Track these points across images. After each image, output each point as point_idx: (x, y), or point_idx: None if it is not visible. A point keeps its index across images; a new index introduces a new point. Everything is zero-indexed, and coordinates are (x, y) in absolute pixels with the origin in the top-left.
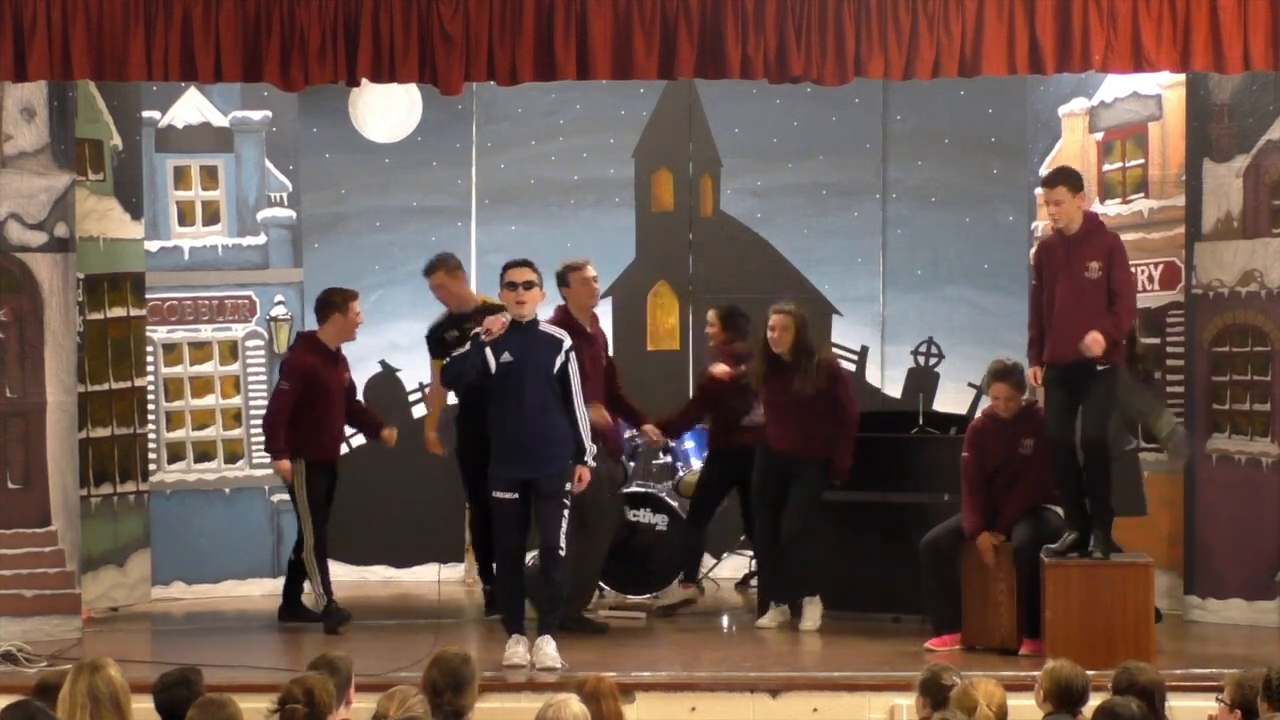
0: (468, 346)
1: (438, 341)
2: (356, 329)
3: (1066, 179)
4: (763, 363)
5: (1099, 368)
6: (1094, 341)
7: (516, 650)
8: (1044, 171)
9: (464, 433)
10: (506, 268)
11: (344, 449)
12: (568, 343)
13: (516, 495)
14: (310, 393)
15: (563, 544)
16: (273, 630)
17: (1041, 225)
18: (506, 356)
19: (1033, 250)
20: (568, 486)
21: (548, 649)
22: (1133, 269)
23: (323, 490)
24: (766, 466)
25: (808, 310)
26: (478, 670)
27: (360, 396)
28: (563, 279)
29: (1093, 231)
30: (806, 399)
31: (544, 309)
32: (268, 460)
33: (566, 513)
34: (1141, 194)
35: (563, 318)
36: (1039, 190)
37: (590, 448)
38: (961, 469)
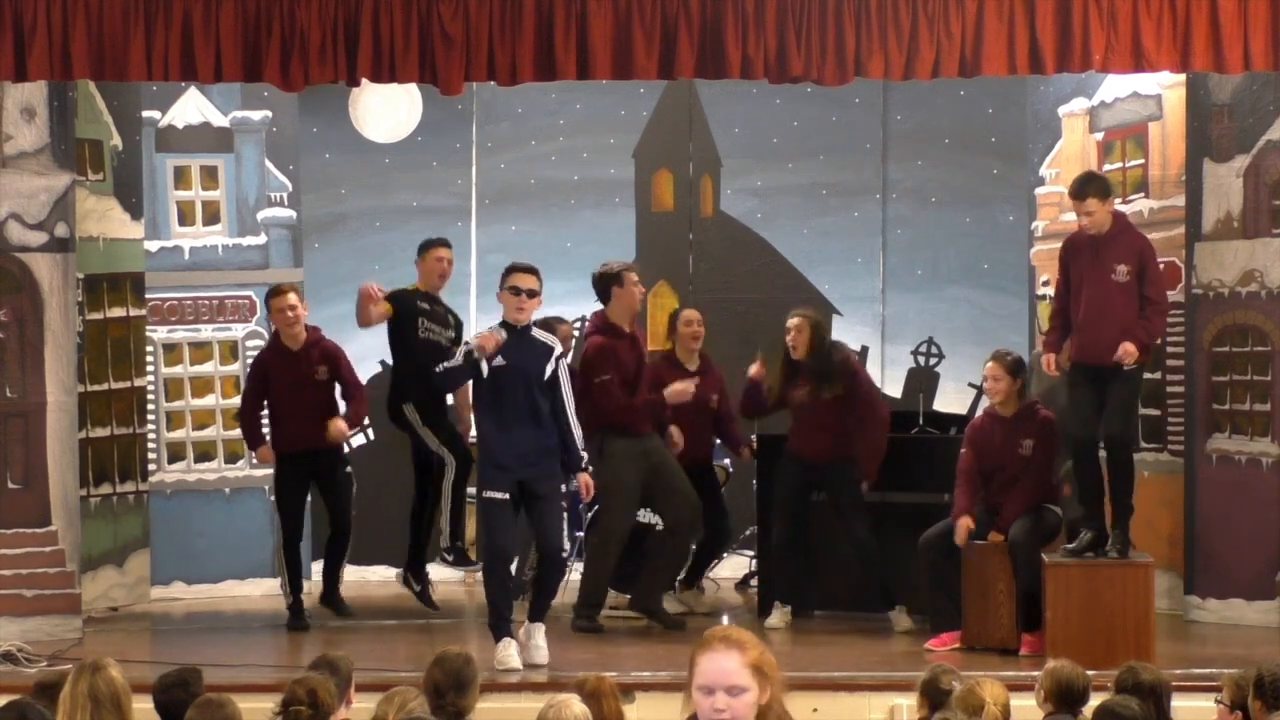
0: (459, 360)
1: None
2: (284, 323)
3: (1095, 189)
4: (782, 368)
5: (1123, 368)
6: (1126, 353)
7: (509, 654)
8: (1045, 172)
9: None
10: (512, 270)
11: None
12: (558, 349)
13: (507, 496)
14: (267, 387)
15: (566, 545)
16: (272, 630)
17: (1042, 225)
18: (499, 361)
19: (1061, 244)
20: (563, 488)
21: (537, 639)
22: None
23: (292, 484)
24: (791, 473)
25: (824, 314)
26: (479, 671)
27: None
28: (619, 280)
29: (1122, 233)
30: (829, 402)
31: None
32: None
33: (565, 514)
34: (1141, 194)
35: (601, 324)
36: (1039, 191)
37: (583, 457)
38: (958, 464)
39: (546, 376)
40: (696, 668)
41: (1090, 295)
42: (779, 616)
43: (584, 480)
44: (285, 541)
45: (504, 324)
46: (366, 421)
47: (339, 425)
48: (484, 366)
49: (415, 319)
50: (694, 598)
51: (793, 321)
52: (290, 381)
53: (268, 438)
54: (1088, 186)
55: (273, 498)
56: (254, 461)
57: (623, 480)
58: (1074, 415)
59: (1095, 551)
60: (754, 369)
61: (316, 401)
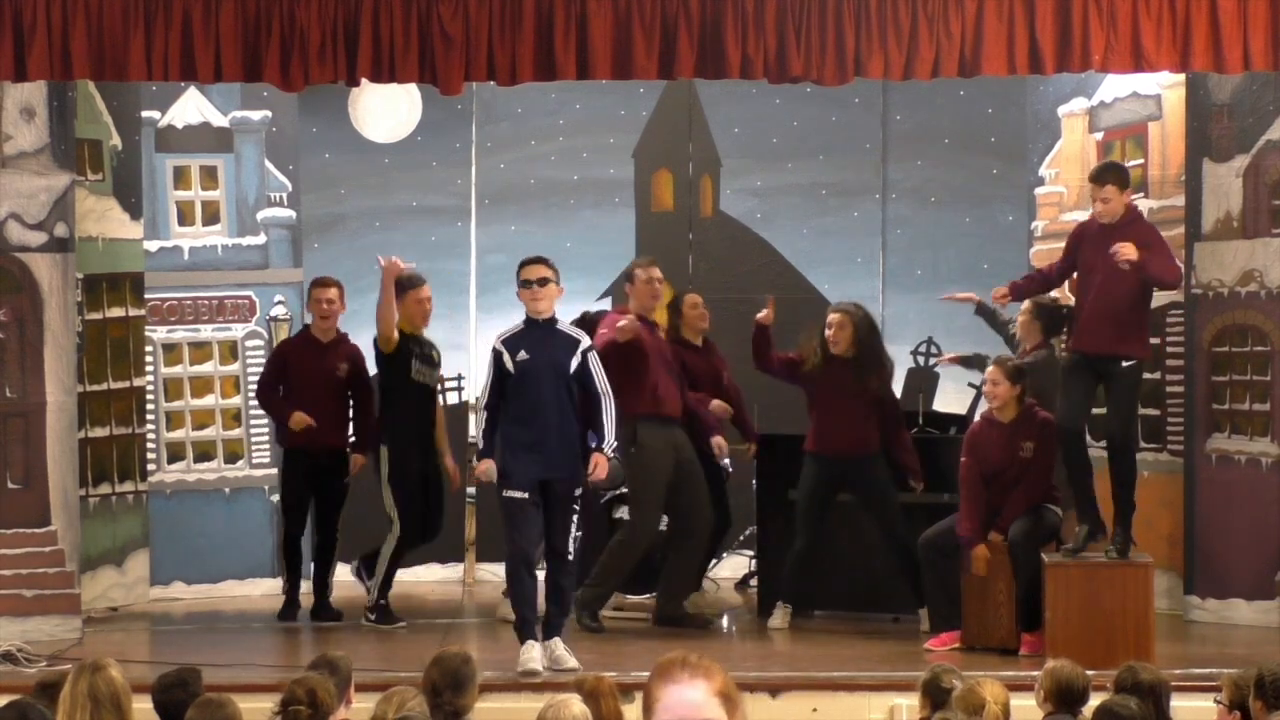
0: (490, 372)
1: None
2: (319, 313)
3: (1115, 176)
4: (820, 362)
5: (1124, 363)
6: (1126, 248)
7: (530, 656)
8: (1045, 172)
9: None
10: (520, 266)
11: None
12: (586, 342)
13: (527, 495)
14: (284, 378)
15: (571, 550)
16: (272, 630)
17: (1042, 225)
18: (523, 355)
19: (1071, 231)
20: (578, 492)
21: (559, 650)
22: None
23: (298, 480)
24: (816, 473)
25: (865, 310)
26: (478, 670)
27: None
28: (629, 277)
29: (1132, 224)
30: (864, 399)
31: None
32: (268, 460)
33: (576, 518)
34: (1141, 194)
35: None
36: (1039, 191)
37: (611, 441)
38: (960, 474)
39: (573, 370)
40: (658, 702)
41: (1097, 285)
42: (780, 616)
43: (597, 459)
44: (286, 536)
45: (526, 320)
46: None
47: (360, 460)
48: (509, 364)
49: (409, 360)
50: (700, 599)
51: (833, 317)
52: (310, 374)
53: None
54: (1108, 173)
55: (273, 498)
56: (254, 461)
57: (656, 480)
58: (1065, 403)
59: (1095, 541)
60: (762, 314)
61: (332, 398)
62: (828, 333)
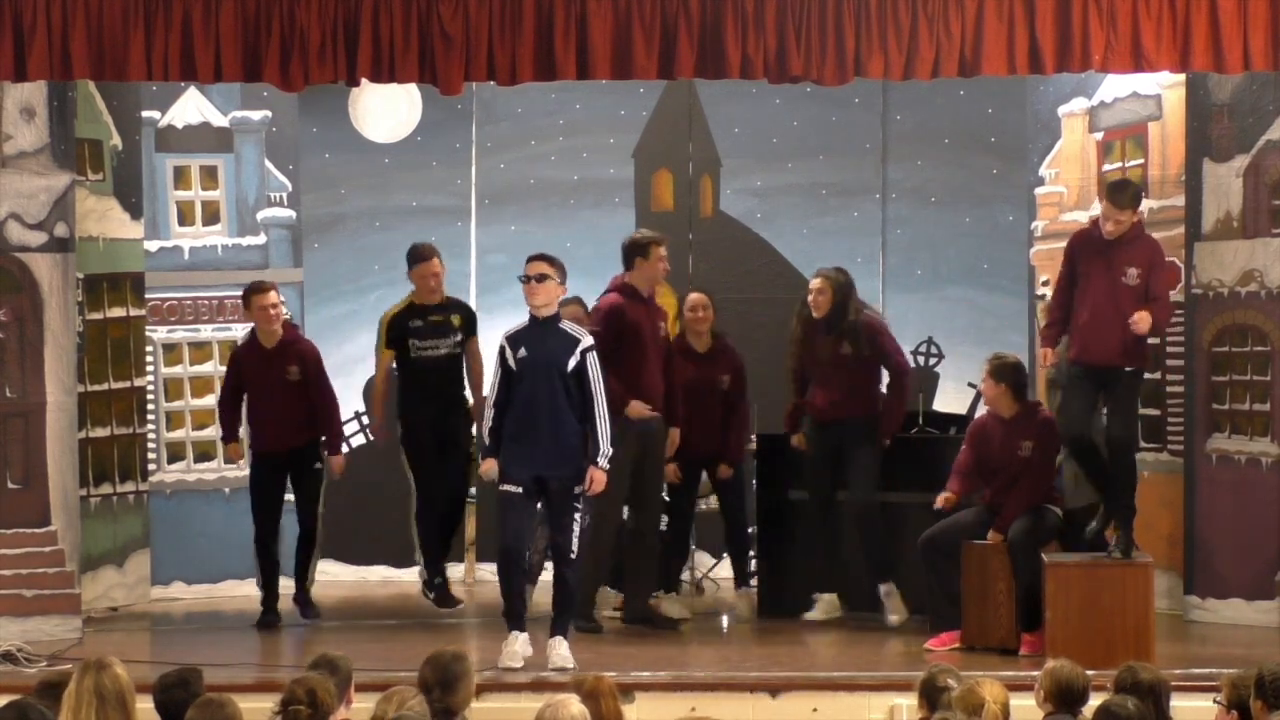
0: (495, 368)
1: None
2: (266, 320)
3: (1134, 199)
4: (800, 328)
5: (1126, 369)
6: (1142, 319)
7: (512, 650)
8: (1045, 172)
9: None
10: (526, 261)
11: (345, 447)
12: (586, 342)
13: (522, 490)
14: (242, 383)
15: (574, 548)
16: (272, 630)
17: (1042, 225)
18: (523, 352)
19: (1070, 239)
20: (578, 490)
21: (561, 650)
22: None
23: (266, 482)
24: (816, 437)
25: (848, 277)
26: (472, 669)
27: (360, 397)
28: (644, 251)
29: (1137, 237)
30: (849, 360)
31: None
32: None
33: (579, 515)
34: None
35: (619, 285)
36: (1039, 191)
37: (606, 450)
38: (956, 458)
39: (570, 368)
40: None
41: (1098, 296)
42: (823, 608)
43: (594, 473)
44: (257, 540)
45: (531, 317)
46: (366, 421)
47: (338, 462)
48: (511, 362)
49: (405, 341)
50: (705, 600)
51: (815, 283)
52: (264, 382)
53: (243, 434)
54: (1126, 194)
55: None
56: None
57: (617, 464)
58: (1065, 412)
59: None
60: None
61: (289, 402)
62: (809, 298)
